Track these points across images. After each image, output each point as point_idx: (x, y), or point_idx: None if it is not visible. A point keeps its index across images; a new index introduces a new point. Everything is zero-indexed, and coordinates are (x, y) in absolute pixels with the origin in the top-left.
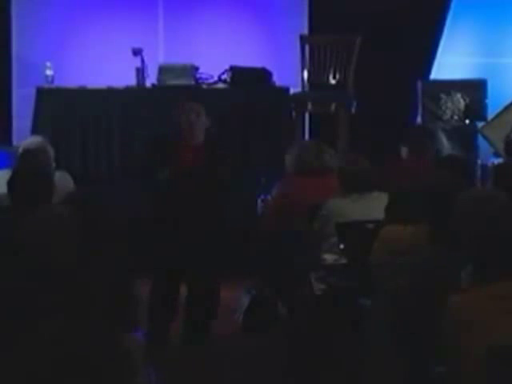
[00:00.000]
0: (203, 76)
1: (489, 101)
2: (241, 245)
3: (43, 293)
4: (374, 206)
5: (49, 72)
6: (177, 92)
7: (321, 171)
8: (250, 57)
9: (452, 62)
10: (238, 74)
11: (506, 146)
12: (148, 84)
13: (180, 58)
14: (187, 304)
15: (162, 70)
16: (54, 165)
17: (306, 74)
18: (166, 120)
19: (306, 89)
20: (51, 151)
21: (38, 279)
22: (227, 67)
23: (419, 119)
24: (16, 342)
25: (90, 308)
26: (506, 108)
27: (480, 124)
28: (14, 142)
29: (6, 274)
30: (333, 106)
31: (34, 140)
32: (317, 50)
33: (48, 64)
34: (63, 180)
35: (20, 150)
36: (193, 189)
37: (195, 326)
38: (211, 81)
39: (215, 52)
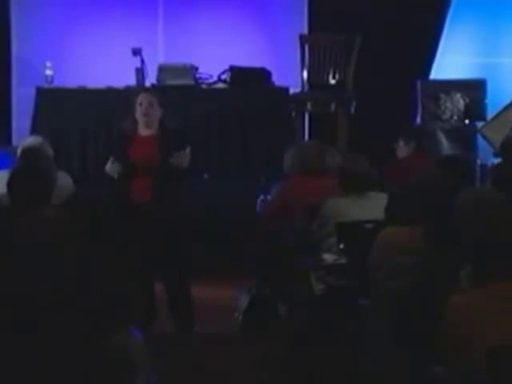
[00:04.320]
0: (203, 76)
1: (488, 101)
2: (241, 245)
3: (42, 292)
4: (373, 206)
5: (49, 72)
6: (177, 92)
7: (321, 171)
8: (249, 57)
9: (452, 61)
10: (237, 74)
11: (500, 147)
12: (148, 84)
13: (180, 58)
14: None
15: (162, 70)
16: (53, 165)
17: (305, 73)
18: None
19: (306, 89)
20: (51, 151)
21: (37, 279)
22: (227, 67)
23: (419, 119)
24: (15, 342)
25: (90, 308)
26: (506, 108)
27: (480, 124)
28: (14, 142)
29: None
30: (332, 106)
31: (33, 140)
32: (316, 49)
33: (48, 64)
34: (63, 180)
35: (20, 149)
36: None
37: (177, 325)
38: (211, 81)
39: (215, 52)
